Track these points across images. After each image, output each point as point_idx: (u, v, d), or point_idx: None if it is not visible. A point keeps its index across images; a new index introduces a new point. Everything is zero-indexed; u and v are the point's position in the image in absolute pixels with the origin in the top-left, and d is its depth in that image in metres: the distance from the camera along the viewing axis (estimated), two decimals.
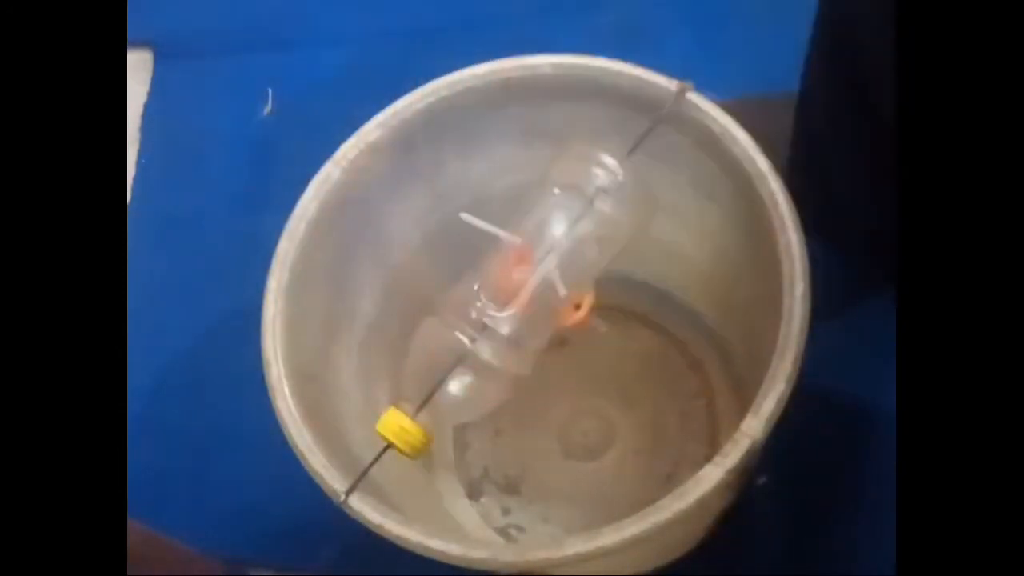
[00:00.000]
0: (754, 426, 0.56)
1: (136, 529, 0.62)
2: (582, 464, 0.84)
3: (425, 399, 0.59)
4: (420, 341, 0.63)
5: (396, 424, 0.59)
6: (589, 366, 0.86)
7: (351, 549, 0.87)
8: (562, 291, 0.60)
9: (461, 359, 0.59)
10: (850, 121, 0.68)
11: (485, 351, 0.60)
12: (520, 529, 0.82)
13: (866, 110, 0.63)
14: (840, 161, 0.72)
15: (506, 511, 0.83)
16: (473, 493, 0.85)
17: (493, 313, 0.60)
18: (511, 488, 0.85)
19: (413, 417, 0.59)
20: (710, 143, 0.67)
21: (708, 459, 0.57)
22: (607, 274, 0.65)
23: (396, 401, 0.60)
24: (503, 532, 0.82)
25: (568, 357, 0.85)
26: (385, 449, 0.60)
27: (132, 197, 1.10)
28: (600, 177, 0.62)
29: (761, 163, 0.64)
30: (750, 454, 0.56)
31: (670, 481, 0.81)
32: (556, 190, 0.63)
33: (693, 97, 0.67)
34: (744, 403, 0.59)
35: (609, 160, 0.62)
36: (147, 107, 1.16)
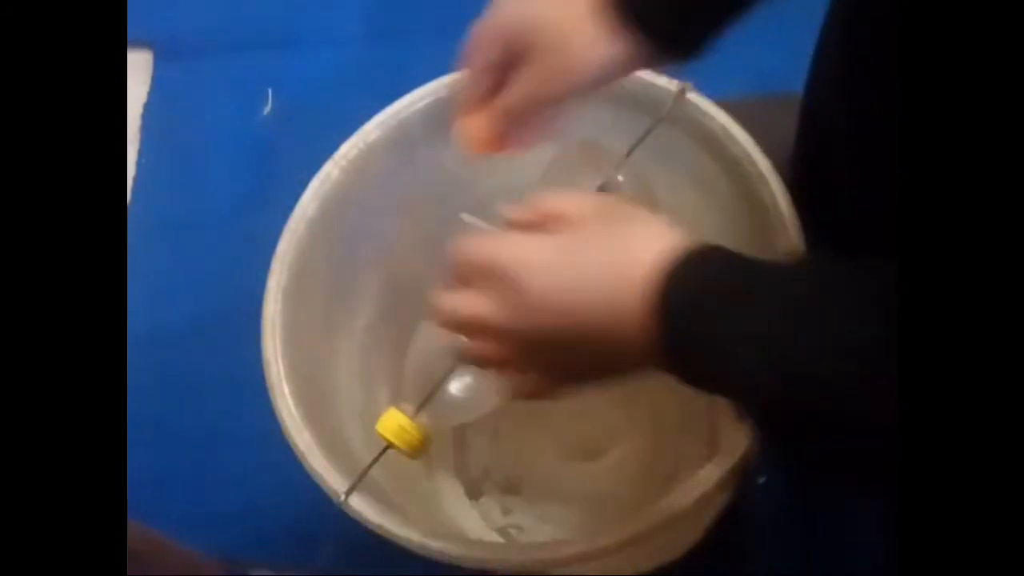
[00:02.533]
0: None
1: (136, 529, 0.62)
2: (582, 464, 0.84)
3: (425, 399, 0.59)
4: (420, 342, 0.63)
5: (395, 424, 0.59)
6: None
7: (351, 549, 0.87)
8: None
9: (461, 360, 0.60)
10: (864, 129, 0.68)
11: None
12: (520, 529, 0.82)
13: (881, 118, 0.63)
14: (849, 167, 0.72)
15: (506, 511, 0.83)
16: (473, 493, 0.85)
17: None
18: (511, 488, 0.84)
19: (413, 417, 0.59)
20: (710, 143, 0.67)
21: (708, 459, 0.57)
22: None
23: (396, 401, 0.60)
24: (503, 532, 0.82)
25: None
26: (385, 449, 0.60)
27: (132, 197, 1.10)
28: (599, 177, 0.62)
29: (761, 163, 0.64)
30: (750, 453, 0.56)
31: (670, 481, 0.81)
32: (553, 188, 0.63)
33: (693, 97, 0.67)
34: None
35: (608, 159, 0.62)
36: (147, 107, 1.16)
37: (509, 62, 0.56)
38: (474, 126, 0.58)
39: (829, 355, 0.37)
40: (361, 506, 0.59)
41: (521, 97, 0.56)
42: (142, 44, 1.20)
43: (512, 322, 0.46)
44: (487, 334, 0.48)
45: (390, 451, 0.60)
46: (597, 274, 0.44)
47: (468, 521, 0.83)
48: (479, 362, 0.50)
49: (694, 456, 0.81)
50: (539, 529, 0.82)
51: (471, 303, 0.47)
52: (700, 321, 0.41)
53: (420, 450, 0.59)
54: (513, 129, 0.58)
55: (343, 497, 0.59)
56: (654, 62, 0.56)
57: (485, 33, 0.56)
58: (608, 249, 0.45)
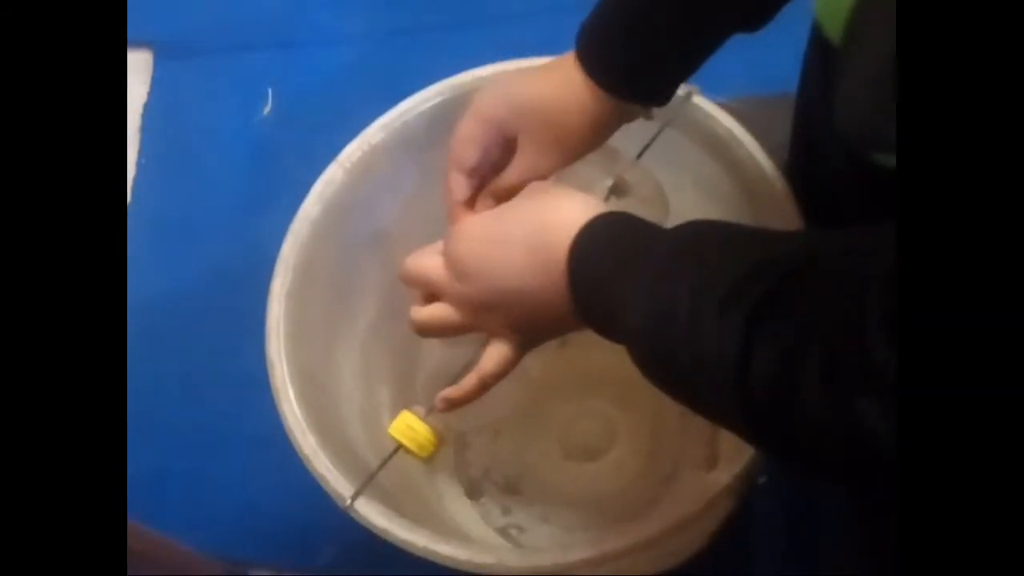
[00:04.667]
0: None
1: (136, 529, 0.62)
2: (582, 464, 0.84)
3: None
4: (431, 346, 0.63)
5: (407, 427, 0.59)
6: (589, 366, 0.85)
7: (351, 549, 0.87)
8: None
9: (472, 363, 0.60)
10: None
11: None
12: (520, 529, 0.82)
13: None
14: (839, 169, 0.72)
15: (506, 511, 0.83)
16: (473, 493, 0.84)
17: None
18: (511, 488, 0.84)
19: (424, 420, 0.59)
20: (715, 145, 0.67)
21: (708, 460, 0.57)
22: None
23: (400, 402, 0.60)
24: (503, 532, 0.82)
25: (568, 357, 0.85)
26: (393, 454, 0.59)
27: (132, 197, 1.10)
28: (610, 178, 0.62)
29: (766, 165, 0.64)
30: (755, 460, 0.56)
31: (670, 482, 0.80)
32: None
33: (699, 100, 0.67)
34: None
35: (618, 161, 0.62)
36: (147, 107, 1.16)
37: (503, 145, 0.59)
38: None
39: (687, 296, 0.41)
40: (367, 510, 0.59)
41: (520, 175, 0.59)
42: (142, 44, 1.19)
43: (455, 285, 0.54)
44: (440, 298, 0.55)
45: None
46: (519, 240, 0.51)
47: (468, 521, 0.83)
48: (439, 329, 0.56)
49: (694, 457, 0.81)
50: (539, 529, 0.82)
51: (423, 262, 0.56)
52: (596, 274, 0.47)
53: (431, 452, 0.59)
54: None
55: (349, 502, 0.59)
56: (638, 114, 0.59)
57: (474, 130, 0.59)
58: (529, 219, 0.52)
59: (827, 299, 0.37)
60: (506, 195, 0.59)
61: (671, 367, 0.43)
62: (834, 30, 0.56)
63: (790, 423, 0.38)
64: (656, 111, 0.60)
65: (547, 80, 0.57)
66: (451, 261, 0.54)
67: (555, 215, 0.50)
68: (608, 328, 0.48)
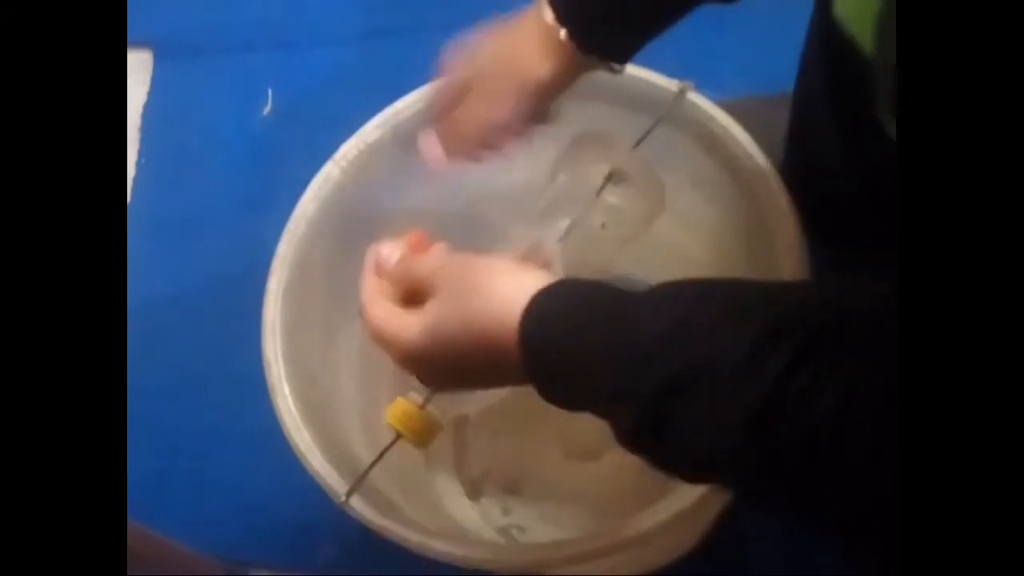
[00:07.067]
0: None
1: (136, 529, 0.62)
2: (582, 464, 0.84)
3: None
4: None
5: (403, 412, 0.58)
6: None
7: (351, 549, 0.87)
8: None
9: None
10: (850, 126, 0.68)
11: None
12: (520, 529, 0.82)
13: (866, 115, 0.63)
14: (838, 165, 0.72)
15: (506, 511, 0.83)
16: (473, 493, 0.85)
17: None
18: (511, 488, 0.84)
19: (420, 406, 0.59)
20: (710, 142, 0.67)
21: None
22: (605, 274, 0.64)
23: (404, 392, 0.60)
24: (504, 532, 0.82)
25: None
26: (392, 444, 0.59)
27: (132, 197, 1.10)
28: (607, 167, 0.62)
29: (761, 162, 0.64)
30: None
31: (670, 481, 0.80)
32: (562, 176, 0.63)
33: (694, 97, 0.67)
34: None
35: (617, 150, 0.62)
36: (147, 107, 1.16)
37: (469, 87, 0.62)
38: (430, 142, 0.63)
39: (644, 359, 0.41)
40: (362, 506, 0.59)
41: (469, 120, 0.61)
42: (142, 44, 1.20)
43: (407, 365, 0.52)
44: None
45: (390, 451, 0.60)
46: (473, 343, 0.48)
47: (468, 521, 0.83)
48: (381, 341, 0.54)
49: None
50: (539, 529, 0.82)
51: (391, 324, 0.53)
52: (547, 348, 0.45)
53: (427, 439, 0.59)
54: (466, 146, 0.63)
55: (344, 498, 0.59)
56: (586, 70, 0.60)
57: (454, 60, 0.62)
58: (475, 319, 0.48)
59: (863, 360, 0.35)
60: (453, 135, 0.62)
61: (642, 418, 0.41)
62: (866, 41, 0.55)
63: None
64: (651, 106, 0.60)
65: (507, 29, 0.60)
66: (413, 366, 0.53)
67: (502, 296, 0.47)
68: (564, 393, 0.47)
